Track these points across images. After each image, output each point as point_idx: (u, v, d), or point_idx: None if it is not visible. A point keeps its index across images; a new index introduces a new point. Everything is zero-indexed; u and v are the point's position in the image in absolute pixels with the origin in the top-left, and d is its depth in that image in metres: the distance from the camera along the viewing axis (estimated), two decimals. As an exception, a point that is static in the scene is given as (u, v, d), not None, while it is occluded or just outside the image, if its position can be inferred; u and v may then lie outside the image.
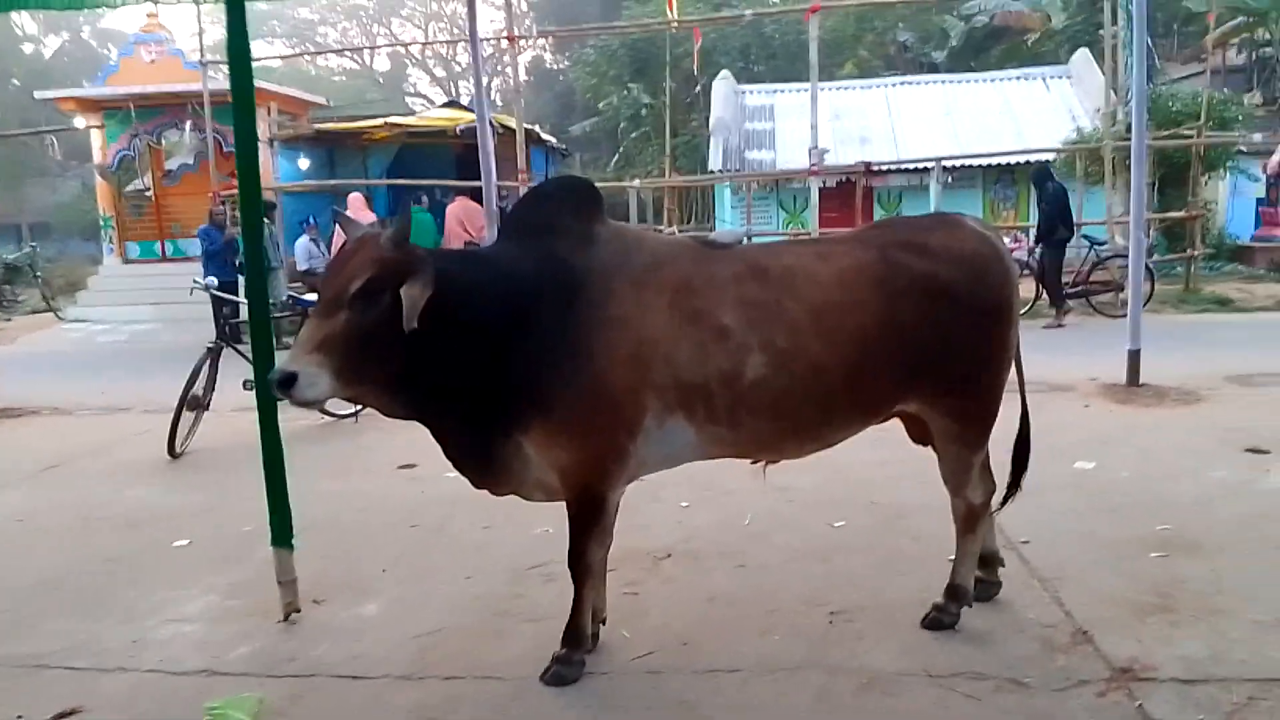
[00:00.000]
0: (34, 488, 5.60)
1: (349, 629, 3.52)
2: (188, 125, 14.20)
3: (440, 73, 48.37)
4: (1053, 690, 2.87)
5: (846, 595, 3.60)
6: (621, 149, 27.23)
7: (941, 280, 2.93)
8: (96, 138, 15.23)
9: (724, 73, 20.88)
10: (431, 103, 48.58)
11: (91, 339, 14.00)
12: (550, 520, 4.42)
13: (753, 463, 3.28)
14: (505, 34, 12.43)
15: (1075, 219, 12.60)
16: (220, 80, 13.62)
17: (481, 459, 2.93)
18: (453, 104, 15.93)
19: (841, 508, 4.58)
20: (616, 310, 2.83)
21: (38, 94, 15.59)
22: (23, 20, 36.96)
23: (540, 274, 2.86)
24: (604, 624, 3.31)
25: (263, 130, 13.60)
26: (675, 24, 13.71)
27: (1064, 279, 11.18)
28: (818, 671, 3.04)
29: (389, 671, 3.17)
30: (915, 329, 2.91)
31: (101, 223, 16.02)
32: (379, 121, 14.58)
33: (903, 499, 4.56)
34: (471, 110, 14.46)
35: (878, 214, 18.22)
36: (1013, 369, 3.22)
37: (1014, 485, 3.46)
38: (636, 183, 13.64)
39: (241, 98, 3.49)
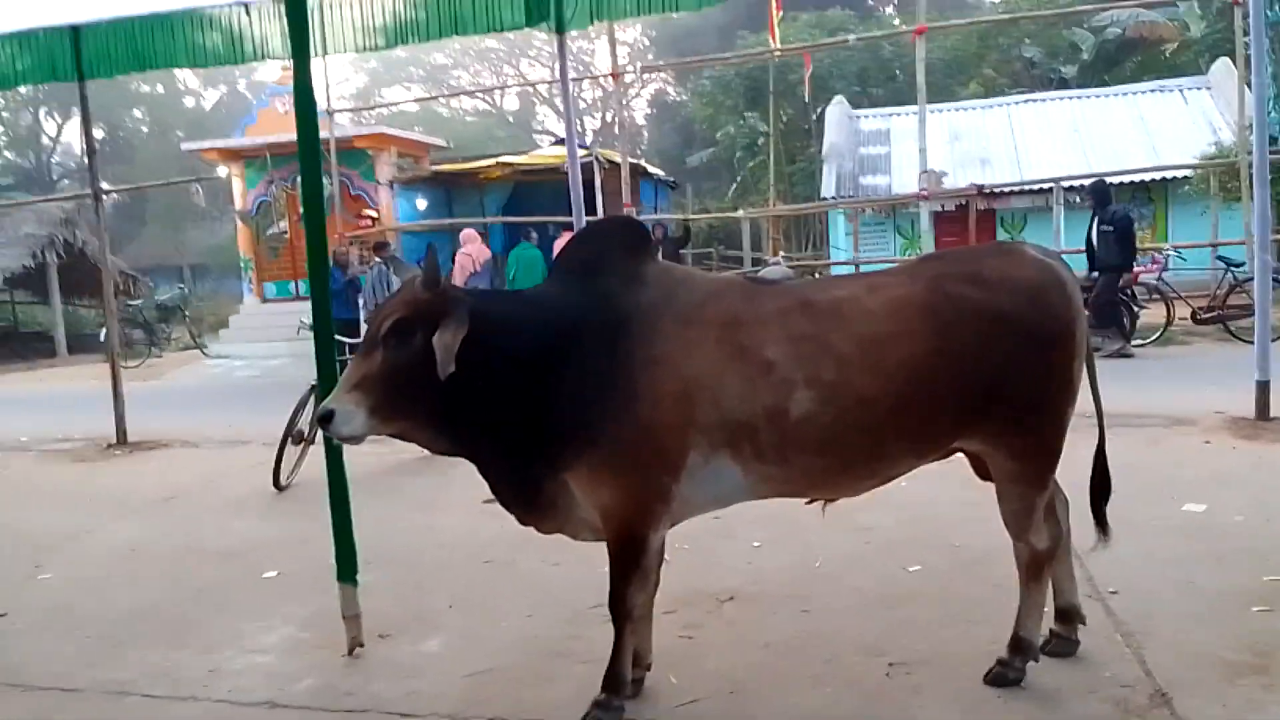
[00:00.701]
0: (149, 517, 5.97)
1: (408, 665, 3.60)
2: (317, 171, 15.03)
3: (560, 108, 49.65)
4: (1118, 759, 2.66)
5: (910, 645, 3.44)
6: (739, 178, 27.32)
7: (996, 309, 2.80)
8: (238, 185, 16.33)
9: (838, 98, 20.66)
10: (560, 140, 49.82)
11: (230, 374, 14.91)
12: (602, 559, 4.45)
13: (808, 502, 3.19)
14: (611, 71, 12.63)
15: (1212, 238, 11.85)
16: (348, 128, 14.39)
17: (526, 496, 2.96)
18: (561, 142, 16.27)
19: (920, 550, 4.40)
20: (661, 348, 2.82)
21: (184, 145, 16.85)
22: (185, 75, 39.95)
23: (585, 312, 2.88)
24: (649, 668, 3.26)
25: (384, 173, 14.27)
26: (778, 52, 13.65)
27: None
28: (867, 727, 2.92)
29: (437, 710, 3.21)
30: (970, 360, 2.78)
31: (242, 264, 17.12)
32: (492, 161, 15.08)
33: (988, 543, 4.27)
34: (585, 147, 14.81)
35: (1000, 238, 17.59)
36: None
37: (1100, 526, 3.24)
38: (740, 212, 13.60)
39: (307, 145, 3.64)
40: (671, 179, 16.89)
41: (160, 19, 7.29)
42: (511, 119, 46.29)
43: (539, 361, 2.82)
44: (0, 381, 15.97)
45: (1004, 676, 3.08)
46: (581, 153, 14.18)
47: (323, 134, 13.94)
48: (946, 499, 4.68)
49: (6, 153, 39.71)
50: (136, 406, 9.43)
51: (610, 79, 13.38)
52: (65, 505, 6.45)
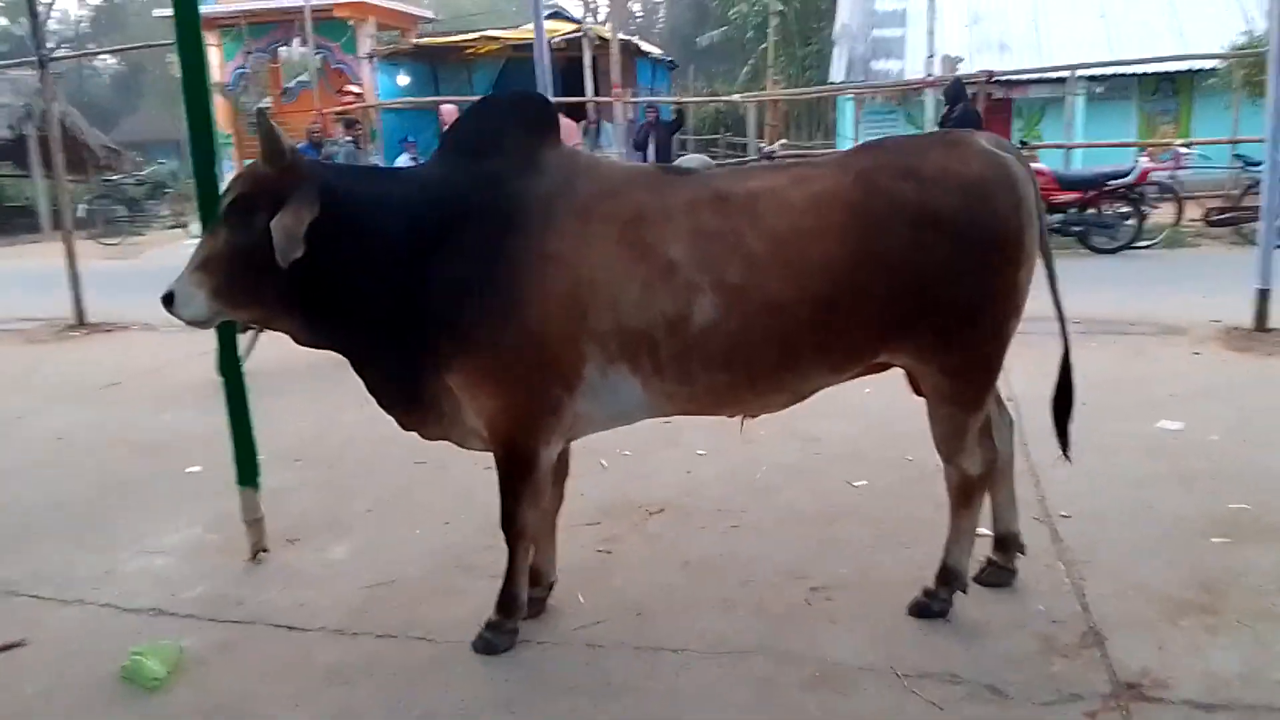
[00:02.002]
0: (85, 404, 5.77)
1: (306, 574, 3.41)
2: (295, 42, 14.36)
3: (578, -17, 47.76)
4: (1034, 704, 2.45)
5: (835, 569, 3.23)
6: (752, 61, 26.19)
7: (931, 208, 2.45)
8: (215, 55, 15.66)
9: (854, -25, 19.49)
10: (567, 13, 48.24)
11: (213, 254, 14.55)
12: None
13: (729, 417, 2.92)
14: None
15: (1232, 134, 11.22)
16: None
17: (404, 399, 2.70)
18: (556, 15, 15.44)
19: (868, 465, 4.16)
20: (555, 244, 2.51)
21: (155, 13, 16.08)
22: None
23: (469, 196, 2.57)
24: (551, 586, 3.06)
25: (365, 46, 13.59)
26: None
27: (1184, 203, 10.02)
28: (768, 659, 2.71)
29: (325, 624, 3.03)
30: (897, 265, 2.45)
31: (222, 140, 16.56)
32: (477, 35, 14.35)
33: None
34: (577, 22, 14.05)
35: (1015, 130, 16.87)
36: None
37: (1062, 443, 2.96)
38: (738, 97, 12.93)
39: (186, 12, 3.24)
40: (670, 59, 16.02)
41: None
42: (529, -9, 44.31)
43: (410, 249, 2.52)
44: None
45: (927, 607, 2.86)
46: (571, 28, 13.49)
47: (294, 2, 13.28)
48: (906, 408, 4.40)
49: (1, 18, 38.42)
50: (105, 287, 9.20)
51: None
52: (3, 389, 6.26)
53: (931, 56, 11.06)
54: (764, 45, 24.84)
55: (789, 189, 2.53)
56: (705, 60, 31.44)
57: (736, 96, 13.43)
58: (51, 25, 41.08)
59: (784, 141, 13.93)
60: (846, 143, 17.40)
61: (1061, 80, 14.48)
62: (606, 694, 2.60)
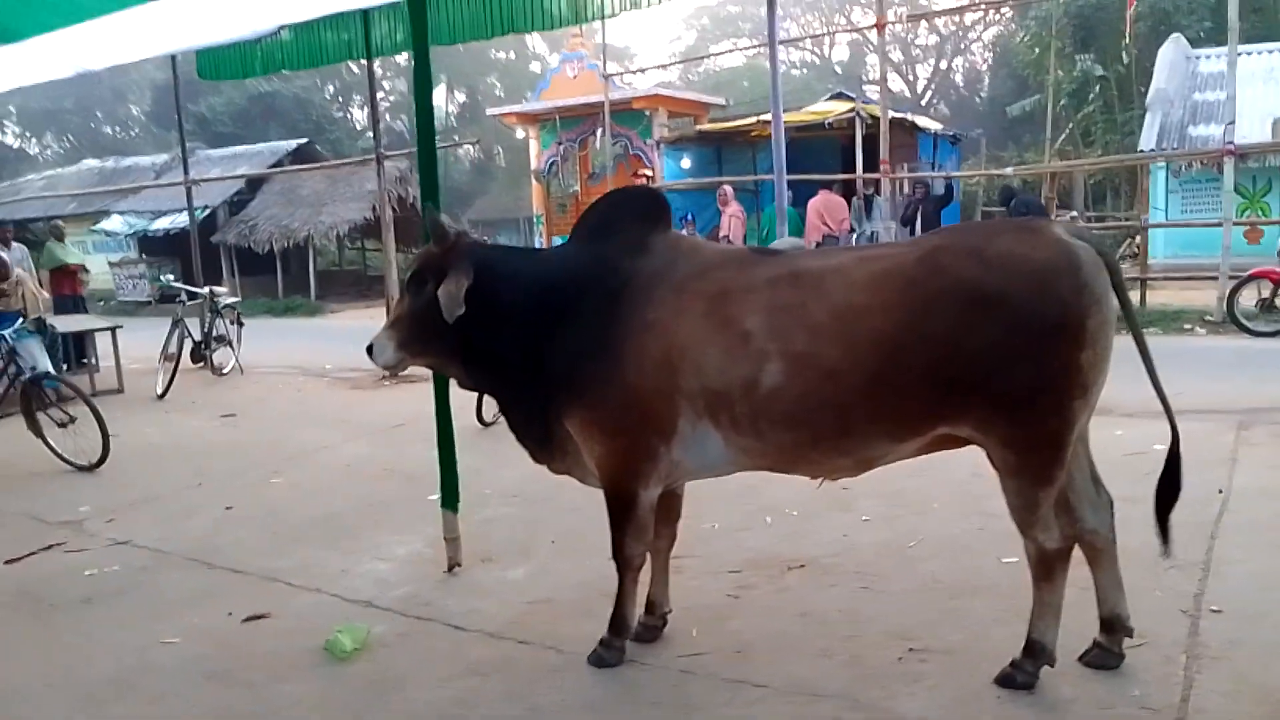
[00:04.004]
0: (375, 440, 6.96)
1: (484, 587, 4.04)
2: (598, 132, 15.99)
3: (897, 56, 47.76)
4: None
5: (946, 635, 3.31)
6: (1070, 127, 24.92)
7: (985, 289, 2.60)
8: (534, 146, 17.75)
9: (1174, 36, 18.17)
10: (891, 91, 48.23)
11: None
12: (719, 517, 4.61)
13: (811, 478, 3.17)
14: (877, 22, 12.15)
15: None
16: (626, 90, 15.09)
17: (536, 437, 3.25)
18: (839, 95, 15.88)
19: (1029, 542, 4.10)
20: (653, 315, 2.96)
21: (489, 111, 18.55)
22: (534, 41, 43.21)
23: (588, 274, 3.09)
24: (665, 618, 3.44)
25: (657, 133, 14.83)
26: None
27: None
28: (840, 704, 2.90)
29: (483, 628, 3.62)
30: (947, 341, 2.62)
31: (535, 220, 18.64)
32: (755, 120, 15.11)
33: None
34: (852, 99, 14.42)
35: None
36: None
37: (1162, 536, 2.93)
38: (1010, 170, 12.53)
39: (422, 103, 4.11)
40: (953, 133, 15.81)
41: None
42: (839, 70, 45.26)
43: (539, 315, 3.07)
44: (343, 315, 18.79)
45: (1011, 678, 2.91)
46: (847, 108, 13.88)
47: (598, 97, 14.85)
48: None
49: (381, 119, 45.52)
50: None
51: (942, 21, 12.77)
52: (322, 425, 7.68)
53: (1232, 123, 10.13)
54: (1083, 111, 23.64)
55: (856, 266, 2.80)
56: (1014, 130, 30.31)
57: (1009, 170, 13.00)
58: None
59: (1071, 214, 13.23)
60: (1159, 215, 16.14)
61: None
62: (682, 713, 2.93)
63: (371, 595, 4.01)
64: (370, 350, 3.29)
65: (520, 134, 18.40)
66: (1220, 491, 4.52)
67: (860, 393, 2.70)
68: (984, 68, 45.12)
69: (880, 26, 11.89)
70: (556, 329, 3.06)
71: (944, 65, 47.15)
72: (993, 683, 2.94)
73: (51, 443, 6.47)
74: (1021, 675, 2.89)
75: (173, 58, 11.74)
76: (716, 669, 3.18)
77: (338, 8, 8.38)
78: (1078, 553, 2.93)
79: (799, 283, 2.83)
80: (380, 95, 46.05)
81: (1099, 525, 2.92)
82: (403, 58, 40.99)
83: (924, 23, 40.91)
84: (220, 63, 9.66)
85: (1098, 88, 23.48)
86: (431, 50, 4.24)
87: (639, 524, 3.14)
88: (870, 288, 2.72)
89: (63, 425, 6.47)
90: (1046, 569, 2.83)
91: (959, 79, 47.46)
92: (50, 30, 9.35)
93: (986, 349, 2.60)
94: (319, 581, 4.20)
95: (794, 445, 2.85)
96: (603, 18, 8.04)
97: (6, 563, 4.61)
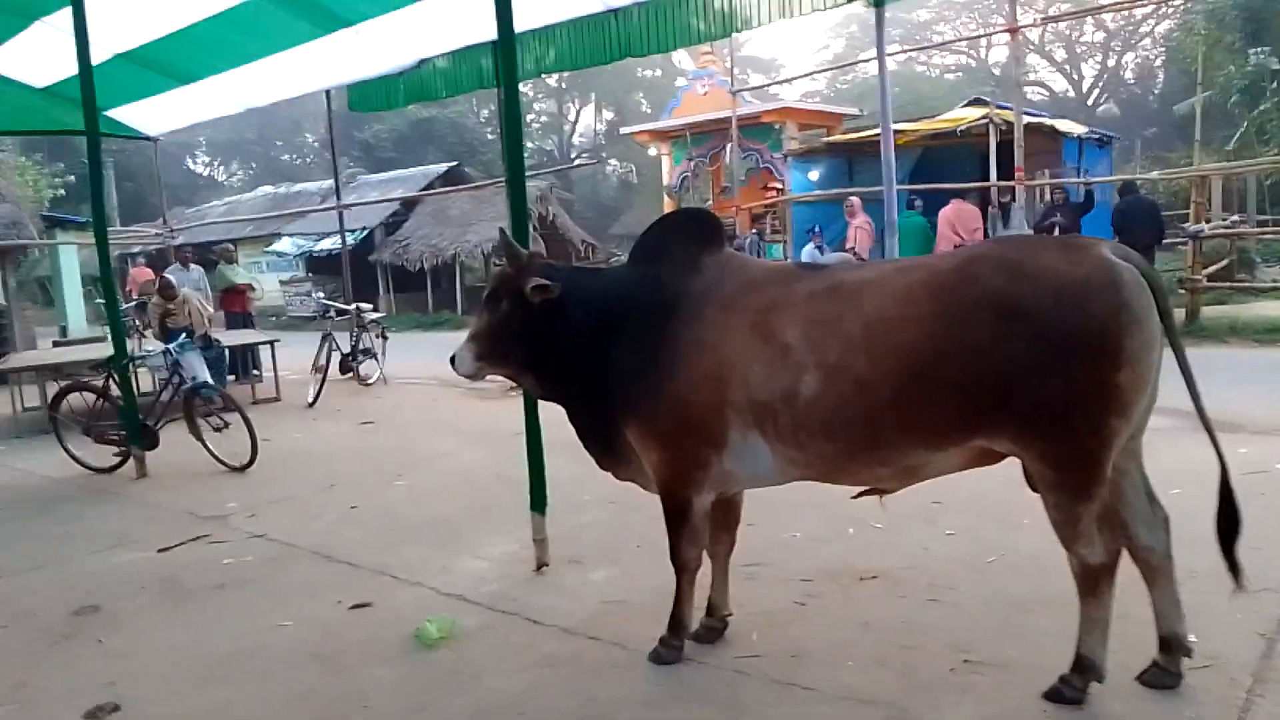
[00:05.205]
0: (490, 449, 7.33)
1: (567, 586, 4.27)
2: (726, 147, 16.14)
3: (1061, 55, 45.64)
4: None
5: (1003, 649, 3.31)
6: (1244, 126, 23.24)
7: (1020, 303, 2.62)
8: (665, 163, 18.08)
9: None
10: (1051, 91, 46.23)
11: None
12: (803, 526, 4.70)
13: (858, 495, 3.24)
14: (1009, 26, 11.79)
15: None
16: (754, 105, 15.18)
17: (600, 445, 3.46)
18: (976, 101, 15.42)
19: (1116, 561, 4.00)
20: (702, 332, 3.12)
21: (621, 129, 18.99)
22: (680, 58, 43.73)
23: (642, 293, 3.28)
24: (726, 620, 3.57)
25: (788, 145, 14.86)
26: None
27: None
28: (885, 711, 2.97)
29: (558, 624, 3.85)
30: (978, 353, 2.65)
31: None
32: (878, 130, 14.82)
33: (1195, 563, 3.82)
34: (987, 104, 14.01)
35: None
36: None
37: (1231, 569, 2.86)
38: (1156, 173, 11.86)
39: (512, 134, 4.41)
40: (1100, 135, 15.03)
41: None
42: (998, 71, 43.60)
43: (600, 330, 3.27)
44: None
45: (1059, 693, 2.90)
46: (980, 114, 13.51)
47: (726, 113, 15.00)
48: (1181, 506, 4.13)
49: (531, 140, 47.07)
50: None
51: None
52: (449, 433, 8.16)
53: None
54: (1259, 109, 22.01)
55: (892, 278, 2.87)
56: (1190, 129, 28.39)
57: (1155, 174, 12.29)
58: (575, 139, 49.57)
59: (1234, 218, 12.40)
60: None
61: None
62: (730, 711, 3.06)
63: (464, 590, 4.31)
64: (453, 360, 3.57)
65: (653, 151, 18.76)
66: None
67: (889, 403, 2.77)
68: (1158, 63, 42.57)
69: (1013, 31, 11.54)
70: (615, 343, 3.26)
71: (1111, 62, 44.76)
72: (1041, 697, 2.93)
73: (209, 445, 7.17)
74: (1069, 690, 2.88)
75: (327, 93, 12.65)
76: (770, 672, 3.29)
77: (469, 41, 8.96)
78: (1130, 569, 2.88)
79: (836, 296, 2.92)
80: (530, 117, 48.02)
81: (1154, 543, 2.88)
82: (553, 79, 42.83)
83: (1090, 19, 39.24)
84: (368, 95, 10.41)
85: (1275, 83, 21.80)
86: (581, 72, 4.51)
87: (693, 529, 3.29)
88: (904, 299, 2.78)
89: (218, 430, 7.17)
90: (1091, 584, 2.81)
91: (1128, 75, 44.95)
92: (220, 72, 10.36)
93: (1018, 361, 2.62)
94: (421, 576, 4.54)
95: (833, 455, 2.93)
96: (738, 31, 8.10)
97: (159, 551, 5.19)
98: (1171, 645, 2.91)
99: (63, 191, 23.62)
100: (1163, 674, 2.92)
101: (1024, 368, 2.62)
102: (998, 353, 2.64)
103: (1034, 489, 2.86)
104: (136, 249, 25.00)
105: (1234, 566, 2.85)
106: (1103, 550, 2.77)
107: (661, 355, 3.15)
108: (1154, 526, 2.89)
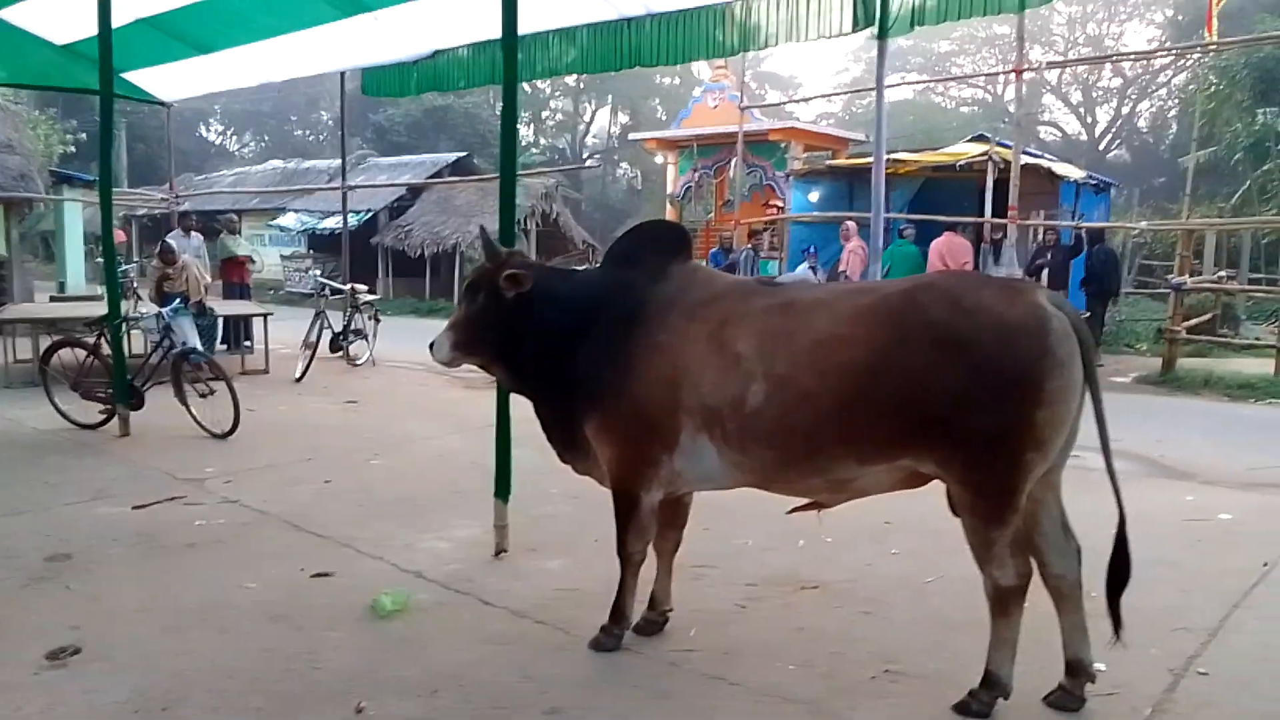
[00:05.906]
0: (468, 436, 7.50)
1: (523, 572, 4.44)
2: (732, 162, 16.34)
3: (1077, 97, 45.98)
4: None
5: (926, 662, 3.48)
6: (1249, 183, 23.52)
7: (956, 335, 2.81)
8: (671, 171, 18.28)
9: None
10: (1064, 132, 46.61)
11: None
12: (755, 535, 4.87)
13: (803, 508, 3.42)
14: (1015, 67, 12.01)
15: None
16: (762, 122, 15.39)
17: (563, 440, 3.63)
18: (979, 138, 15.63)
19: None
20: (663, 337, 3.30)
21: (631, 135, 19.21)
22: (699, 68, 43.98)
23: (610, 296, 3.46)
24: (666, 616, 3.74)
25: (792, 165, 15.06)
26: (1214, 46, 11.82)
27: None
28: (802, 709, 3.15)
29: (509, 606, 4.01)
30: (911, 379, 2.83)
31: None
32: (887, 158, 15.04)
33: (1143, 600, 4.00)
34: (988, 140, 14.23)
35: None
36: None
37: (1113, 619, 3.05)
38: (1144, 224, 12.08)
39: (507, 134, 4.58)
40: (1097, 180, 15.24)
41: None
42: (1013, 109, 43.87)
43: (568, 329, 3.45)
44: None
45: (967, 706, 3.08)
46: (980, 150, 13.72)
47: (734, 127, 15.18)
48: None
49: (545, 137, 47.26)
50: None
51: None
52: (430, 417, 8.34)
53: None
54: (1264, 167, 22.28)
55: (843, 299, 3.06)
56: (1197, 181, 28.57)
57: (1143, 224, 12.51)
58: (589, 140, 49.76)
59: (1223, 273, 12.61)
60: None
61: None
62: (655, 697, 3.24)
63: (424, 568, 4.48)
64: (432, 347, 3.74)
65: (659, 159, 18.97)
66: (1265, 565, 4.43)
67: (830, 416, 2.95)
68: (1171, 114, 42.90)
69: (1018, 72, 11.75)
70: (582, 342, 3.43)
71: (1126, 109, 45.10)
72: (951, 709, 3.10)
73: (193, 411, 7.33)
74: (976, 704, 3.05)
75: (341, 74, 12.83)
76: (701, 666, 3.46)
77: (484, 36, 9.15)
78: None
79: (789, 312, 3.11)
80: (546, 114, 48.25)
81: (1065, 571, 3.06)
82: (571, 79, 43.03)
83: (1108, 65, 39.54)
84: (382, 81, 10.60)
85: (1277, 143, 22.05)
86: (599, 75, 4.68)
87: (640, 524, 3.46)
88: (852, 319, 2.96)
89: (204, 396, 7.33)
90: (1002, 604, 2.99)
91: (1142, 124, 45.28)
92: (239, 45, 10.52)
93: (948, 389, 2.80)
94: (384, 551, 4.71)
95: (773, 462, 3.12)
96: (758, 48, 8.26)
97: (135, 507, 5.35)
98: (1077, 670, 3.09)
99: (73, 148, 23.74)
100: (1067, 696, 3.10)
101: (953, 396, 2.80)
102: (931, 379, 2.82)
103: (955, 512, 3.04)
104: (141, 211, 25.13)
105: (1116, 618, 3.03)
106: (1014, 573, 2.94)
107: (624, 356, 3.32)
108: (1066, 555, 3.07)
